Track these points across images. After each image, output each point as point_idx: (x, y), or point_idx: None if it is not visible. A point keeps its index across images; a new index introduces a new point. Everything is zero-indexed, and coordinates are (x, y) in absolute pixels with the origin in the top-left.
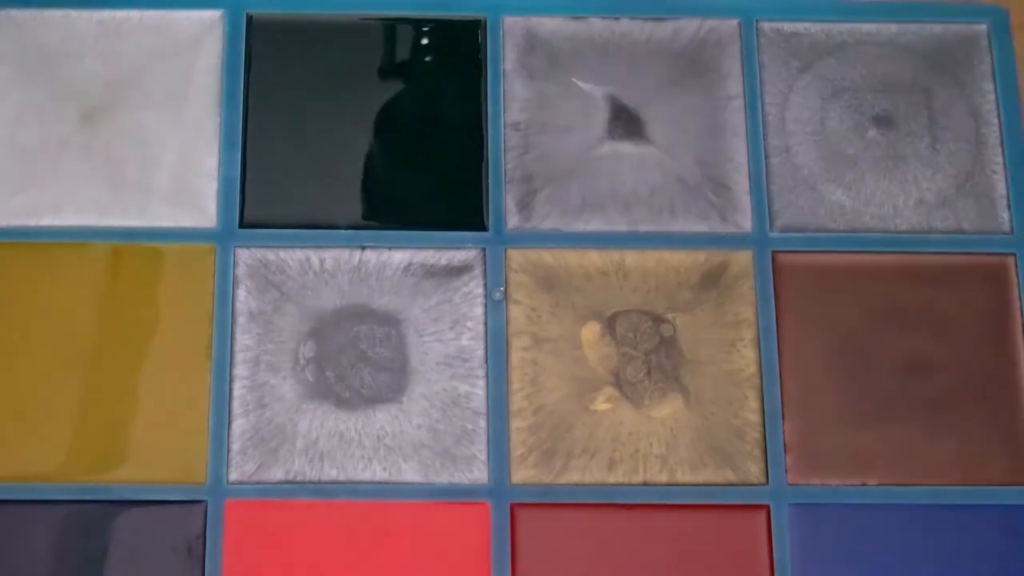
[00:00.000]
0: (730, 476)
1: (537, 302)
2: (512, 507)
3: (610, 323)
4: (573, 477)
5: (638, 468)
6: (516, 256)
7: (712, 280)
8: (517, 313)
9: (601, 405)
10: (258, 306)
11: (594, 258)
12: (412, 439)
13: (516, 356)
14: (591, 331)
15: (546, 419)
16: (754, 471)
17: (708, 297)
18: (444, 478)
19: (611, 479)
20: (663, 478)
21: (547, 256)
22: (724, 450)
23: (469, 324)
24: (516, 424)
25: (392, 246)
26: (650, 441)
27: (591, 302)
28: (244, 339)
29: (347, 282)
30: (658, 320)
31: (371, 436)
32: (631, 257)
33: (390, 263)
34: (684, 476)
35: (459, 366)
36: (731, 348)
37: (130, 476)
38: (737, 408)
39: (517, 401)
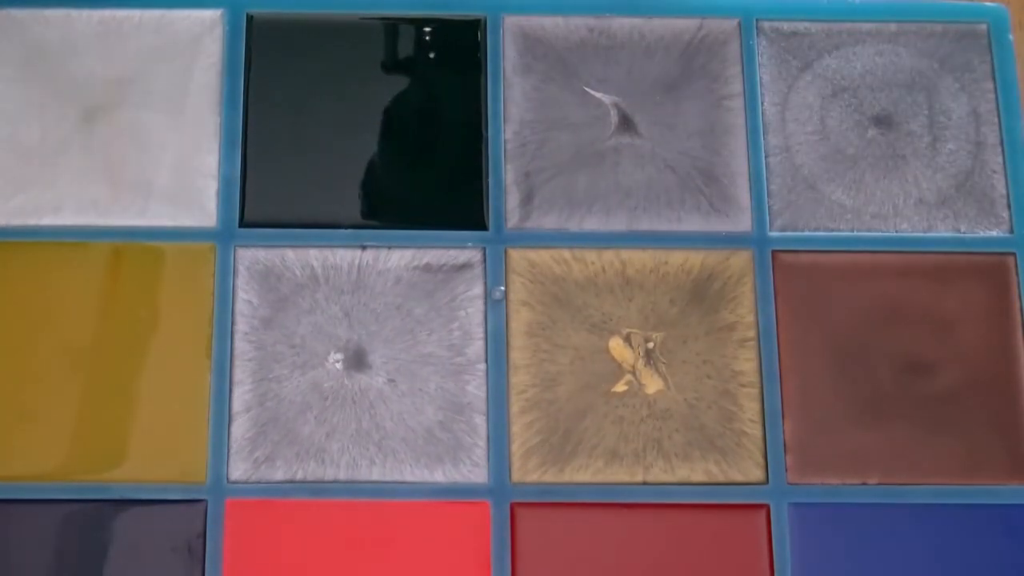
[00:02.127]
0: (722, 463)
1: (555, 314)
2: (512, 507)
3: (627, 337)
4: (581, 465)
5: (639, 454)
6: (521, 262)
7: (701, 291)
8: (531, 317)
9: (620, 387)
10: (264, 306)
11: (597, 268)
12: (417, 433)
13: (536, 356)
14: (616, 343)
15: (564, 406)
16: (745, 463)
17: (694, 310)
18: (440, 474)
19: (614, 469)
20: (659, 464)
21: (554, 266)
22: (711, 439)
23: (470, 323)
24: (532, 416)
25: (392, 245)
26: (648, 424)
27: (604, 318)
28: (248, 336)
29: (347, 280)
30: (646, 339)
31: (374, 424)
32: (632, 267)
33: (390, 261)
34: (677, 462)
35: (458, 364)
36: (714, 350)
37: (130, 475)
38: (723, 401)
39: (534, 395)
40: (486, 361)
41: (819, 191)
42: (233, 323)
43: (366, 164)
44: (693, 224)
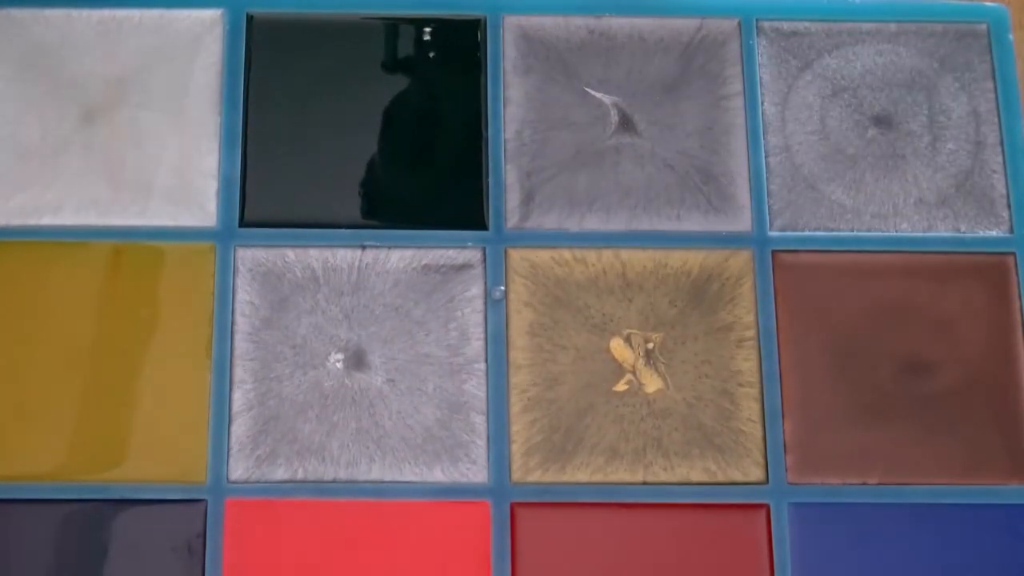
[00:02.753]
0: (720, 460)
1: (557, 314)
2: (512, 506)
3: (627, 338)
4: (582, 462)
5: (639, 452)
6: (521, 262)
7: (700, 292)
8: (533, 318)
9: (621, 387)
10: (265, 307)
11: (598, 270)
12: (416, 431)
13: (539, 356)
14: (617, 343)
15: (565, 405)
16: (743, 461)
17: (693, 311)
18: (439, 471)
19: (614, 467)
20: (659, 462)
21: (555, 267)
22: (710, 438)
23: (468, 323)
24: (535, 414)
25: (392, 245)
26: (648, 423)
27: (605, 320)
28: (250, 336)
29: (347, 282)
30: (646, 340)
31: (373, 422)
32: (632, 269)
33: (389, 263)
34: (676, 460)
35: (456, 364)
36: (712, 351)
37: (130, 475)
38: (721, 400)
39: (536, 394)
40: (486, 361)
41: (819, 191)
42: (233, 323)
43: (366, 164)
44: (693, 224)
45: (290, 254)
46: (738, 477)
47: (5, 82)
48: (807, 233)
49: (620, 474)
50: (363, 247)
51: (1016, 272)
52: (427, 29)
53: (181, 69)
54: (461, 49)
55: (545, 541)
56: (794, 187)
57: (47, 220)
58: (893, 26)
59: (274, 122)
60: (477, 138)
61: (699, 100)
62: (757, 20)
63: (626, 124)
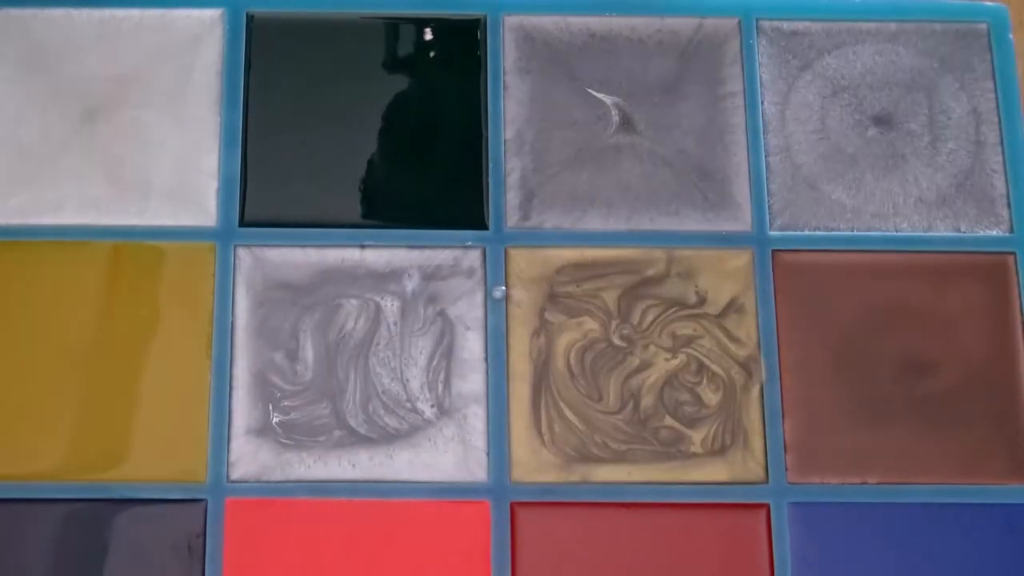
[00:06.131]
0: (719, 459)
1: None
2: (512, 506)
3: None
4: (584, 459)
5: (639, 451)
6: (521, 262)
7: (699, 294)
8: (548, 322)
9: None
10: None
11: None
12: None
13: (541, 357)
14: (619, 342)
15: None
16: (743, 459)
17: (693, 311)
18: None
19: (616, 463)
20: (660, 460)
21: (560, 275)
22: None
23: (473, 321)
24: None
25: (392, 244)
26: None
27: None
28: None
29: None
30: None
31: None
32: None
33: (391, 260)
34: (677, 457)
35: (458, 364)
36: (711, 350)
37: (130, 475)
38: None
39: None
40: (486, 360)
41: (819, 190)
42: (234, 320)
43: (366, 163)
44: (693, 224)
45: (291, 253)
46: (737, 475)
47: (5, 82)
48: (807, 233)
49: (620, 472)
50: (363, 247)
51: (1016, 272)
52: (427, 29)
53: (181, 69)
54: (461, 49)
55: (545, 541)
56: (794, 187)
57: (47, 220)
58: (893, 26)
59: (274, 122)
60: (477, 138)
61: (699, 100)
62: (757, 20)
63: (627, 124)
